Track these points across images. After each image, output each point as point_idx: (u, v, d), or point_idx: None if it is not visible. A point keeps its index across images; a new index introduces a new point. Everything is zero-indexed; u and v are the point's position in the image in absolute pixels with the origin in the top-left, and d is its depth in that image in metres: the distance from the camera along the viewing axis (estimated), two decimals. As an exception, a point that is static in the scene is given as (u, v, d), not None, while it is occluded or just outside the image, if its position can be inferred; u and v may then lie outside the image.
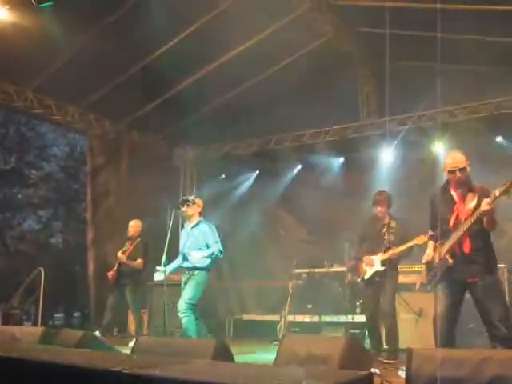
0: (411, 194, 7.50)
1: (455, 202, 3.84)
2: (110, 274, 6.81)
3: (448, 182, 3.92)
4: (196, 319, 5.25)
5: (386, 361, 5.05)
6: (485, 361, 2.29)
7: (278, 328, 7.25)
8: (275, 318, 7.60)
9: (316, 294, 7.68)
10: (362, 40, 7.95)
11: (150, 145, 9.54)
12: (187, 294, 5.30)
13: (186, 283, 5.40)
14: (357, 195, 8.05)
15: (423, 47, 6.43)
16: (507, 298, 5.06)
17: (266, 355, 5.51)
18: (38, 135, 15.65)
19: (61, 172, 16.38)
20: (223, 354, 3.14)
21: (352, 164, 9.14)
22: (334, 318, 7.17)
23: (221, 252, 5.45)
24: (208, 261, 5.37)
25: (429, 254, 4.01)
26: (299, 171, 9.75)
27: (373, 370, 3.38)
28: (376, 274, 5.36)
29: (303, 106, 8.18)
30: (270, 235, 9.39)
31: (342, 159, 9.35)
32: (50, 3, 5.27)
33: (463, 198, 3.82)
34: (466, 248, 3.71)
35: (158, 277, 5.54)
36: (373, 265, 5.39)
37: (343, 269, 7.48)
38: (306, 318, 7.48)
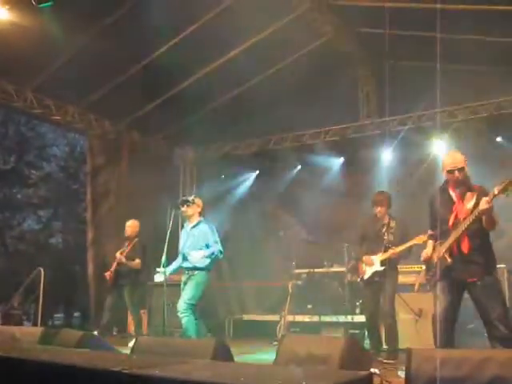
0: (411, 193, 7.50)
1: (454, 202, 3.85)
2: (108, 274, 6.81)
3: (447, 181, 3.92)
4: (196, 319, 5.25)
5: (385, 361, 5.05)
6: (484, 361, 2.29)
7: (278, 328, 7.25)
8: (275, 318, 7.60)
9: (316, 294, 7.69)
10: (361, 40, 7.96)
11: (150, 145, 9.54)
12: (187, 294, 5.30)
13: (185, 283, 5.40)
14: (357, 195, 8.05)
15: (423, 47, 6.44)
16: (507, 297, 5.06)
17: (265, 355, 5.51)
18: (37, 135, 15.66)
19: (61, 172, 16.39)
20: (223, 353, 3.14)
21: (352, 164, 9.14)
22: (334, 318, 7.17)
23: (221, 252, 5.45)
24: (208, 261, 5.37)
25: (427, 252, 4.01)
26: (299, 171, 9.75)
27: (372, 370, 3.38)
28: (376, 274, 5.37)
29: (303, 105, 8.19)
30: (270, 235, 9.38)
31: (341, 159, 9.35)
32: (49, 3, 5.27)
33: (462, 197, 3.82)
34: (465, 247, 3.71)
35: (159, 278, 5.54)
36: (372, 265, 5.40)
37: (343, 269, 7.48)
38: (306, 318, 7.48)
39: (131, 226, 6.95)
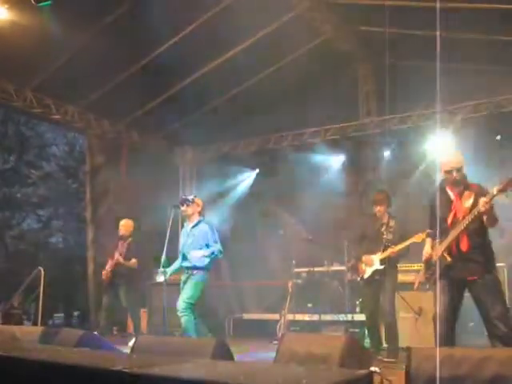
0: (411, 193, 7.50)
1: (452, 201, 3.86)
2: (104, 273, 6.81)
3: (445, 181, 3.93)
4: (195, 318, 5.25)
5: (385, 359, 5.06)
6: (485, 359, 2.29)
7: (278, 327, 7.25)
8: (275, 317, 7.60)
9: (316, 292, 7.69)
10: (361, 39, 7.95)
11: (150, 144, 9.54)
12: (186, 293, 5.30)
13: (185, 282, 5.40)
14: (356, 194, 8.05)
15: (423, 46, 6.43)
16: (506, 296, 5.06)
17: (265, 354, 5.51)
18: (37, 134, 15.63)
19: (60, 171, 16.36)
20: (223, 353, 3.14)
21: (352, 163, 9.14)
22: (334, 317, 7.17)
23: (220, 252, 5.45)
24: (207, 260, 5.37)
25: (427, 251, 4.03)
26: (299, 170, 9.74)
27: (372, 368, 3.37)
28: (375, 272, 5.37)
29: (303, 104, 8.19)
30: (270, 234, 9.38)
31: (341, 158, 9.35)
32: (48, 2, 5.26)
33: (460, 196, 3.83)
34: (464, 246, 3.72)
35: (160, 278, 5.54)
36: (372, 264, 5.40)
37: (343, 268, 7.48)
38: (306, 317, 7.49)
39: (125, 225, 6.95)
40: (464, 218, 3.70)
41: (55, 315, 12.69)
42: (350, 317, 6.94)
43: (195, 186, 10.11)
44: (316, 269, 7.90)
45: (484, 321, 3.67)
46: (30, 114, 8.63)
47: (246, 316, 8.73)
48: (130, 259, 6.74)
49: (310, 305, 7.67)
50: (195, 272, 5.35)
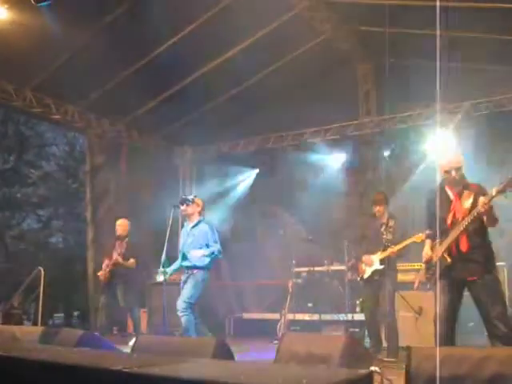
0: (410, 192, 7.50)
1: (452, 201, 3.86)
2: (101, 274, 6.81)
3: (444, 181, 3.93)
4: (195, 318, 5.25)
5: (385, 359, 5.06)
6: (485, 359, 2.29)
7: (278, 327, 7.25)
8: (275, 316, 7.60)
9: (316, 292, 7.69)
10: (361, 38, 7.95)
11: (150, 144, 9.54)
12: (186, 293, 5.31)
13: (185, 282, 5.40)
14: (356, 194, 8.05)
15: (423, 45, 6.43)
16: (506, 296, 5.06)
17: (266, 354, 5.50)
18: (37, 134, 15.61)
19: (60, 171, 16.35)
20: (223, 352, 3.13)
21: (352, 162, 9.14)
22: (334, 317, 7.17)
23: (220, 252, 5.45)
24: (207, 260, 5.37)
25: (427, 252, 4.02)
26: (299, 170, 9.74)
27: (373, 368, 3.37)
28: (375, 272, 5.38)
29: (303, 104, 8.18)
30: (270, 234, 9.38)
31: (342, 158, 9.35)
32: (48, 2, 5.25)
33: (459, 196, 3.83)
34: (464, 246, 3.72)
35: (160, 278, 5.54)
36: (372, 264, 5.40)
37: (343, 267, 7.48)
38: (306, 317, 7.49)
39: (121, 225, 6.96)
40: (463, 218, 3.70)
41: (55, 315, 12.70)
42: (350, 316, 6.94)
43: (195, 185, 10.11)
44: (316, 268, 7.90)
45: (484, 321, 3.67)
46: (30, 114, 8.64)
47: (246, 316, 8.73)
48: (129, 259, 6.75)
49: (310, 304, 7.67)
50: (195, 272, 5.36)
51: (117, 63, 7.33)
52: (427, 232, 4.12)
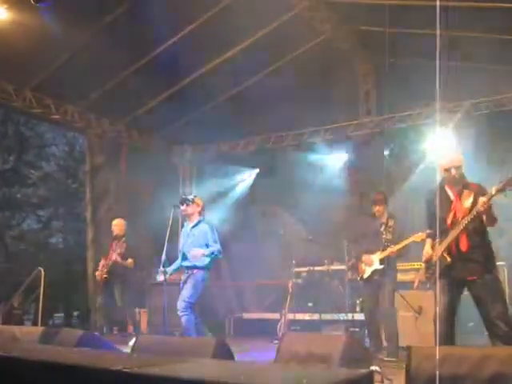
0: (410, 192, 7.50)
1: (452, 201, 3.86)
2: (98, 274, 6.81)
3: (443, 180, 3.93)
4: (195, 318, 5.25)
5: (385, 358, 5.06)
6: (485, 358, 2.29)
7: (278, 326, 7.25)
8: (275, 316, 7.60)
9: (316, 292, 7.69)
10: (361, 38, 7.95)
11: (150, 144, 9.53)
12: (186, 292, 5.31)
13: (185, 282, 5.40)
14: (356, 193, 8.05)
15: (423, 45, 6.43)
16: (507, 295, 5.06)
17: (266, 354, 5.50)
18: (37, 134, 15.60)
19: (60, 171, 16.34)
20: (223, 352, 3.13)
21: (352, 163, 9.13)
22: (334, 317, 7.17)
23: (220, 252, 5.45)
24: (207, 260, 5.38)
25: (427, 252, 4.02)
26: (299, 170, 9.74)
27: (373, 367, 3.38)
28: (375, 272, 5.38)
29: (303, 104, 8.18)
30: (270, 234, 9.38)
31: (341, 158, 9.35)
32: (48, 2, 5.25)
33: (459, 196, 3.83)
34: (463, 246, 3.72)
35: (160, 278, 5.54)
36: (372, 263, 5.41)
37: (343, 267, 7.48)
38: (306, 317, 7.49)
39: (117, 224, 6.95)
40: (463, 218, 3.70)
41: (55, 315, 12.70)
42: (350, 316, 6.93)
43: (195, 185, 10.11)
44: (316, 268, 7.90)
45: (484, 320, 3.67)
46: (30, 114, 8.63)
47: (246, 316, 8.72)
48: (127, 259, 6.75)
49: (310, 304, 7.67)
50: (195, 271, 5.36)
51: (117, 63, 7.34)
52: (428, 231, 4.12)
